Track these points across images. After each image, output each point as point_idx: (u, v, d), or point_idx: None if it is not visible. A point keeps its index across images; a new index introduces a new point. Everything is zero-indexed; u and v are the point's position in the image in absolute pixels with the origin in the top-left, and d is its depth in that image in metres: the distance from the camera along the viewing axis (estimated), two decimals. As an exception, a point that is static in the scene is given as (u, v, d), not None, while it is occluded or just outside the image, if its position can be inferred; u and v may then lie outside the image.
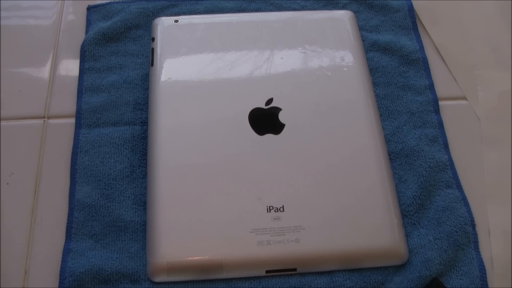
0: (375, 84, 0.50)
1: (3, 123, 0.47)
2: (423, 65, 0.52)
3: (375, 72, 0.51)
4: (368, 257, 0.40)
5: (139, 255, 0.41)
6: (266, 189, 0.41)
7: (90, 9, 0.55)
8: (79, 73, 0.50)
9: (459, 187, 0.45)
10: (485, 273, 0.41)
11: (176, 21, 0.51)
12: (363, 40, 0.52)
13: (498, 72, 0.52)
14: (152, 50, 0.49)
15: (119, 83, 0.49)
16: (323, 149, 0.43)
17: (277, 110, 0.45)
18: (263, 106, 0.45)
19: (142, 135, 0.46)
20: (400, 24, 0.54)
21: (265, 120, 0.45)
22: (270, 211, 0.40)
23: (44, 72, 0.51)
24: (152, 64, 0.48)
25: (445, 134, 0.48)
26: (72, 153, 0.45)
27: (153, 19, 0.52)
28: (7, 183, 0.44)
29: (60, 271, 0.39)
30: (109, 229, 0.42)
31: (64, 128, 0.47)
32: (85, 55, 0.51)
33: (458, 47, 0.53)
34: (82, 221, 0.42)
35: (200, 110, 0.45)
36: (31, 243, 0.41)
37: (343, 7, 0.55)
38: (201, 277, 0.39)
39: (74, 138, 0.46)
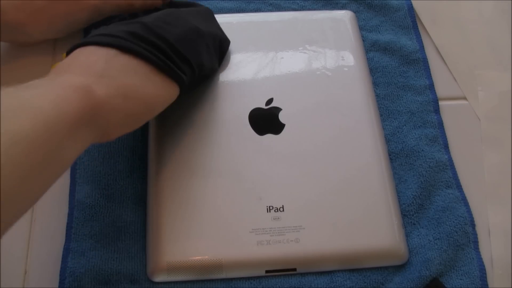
0: (375, 84, 0.50)
1: (3, 123, 0.47)
2: (423, 65, 0.52)
3: (375, 72, 0.51)
4: (368, 257, 0.40)
5: (139, 255, 0.41)
6: (266, 189, 0.41)
7: (90, 9, 0.54)
8: (79, 73, 0.50)
9: (459, 187, 0.45)
10: (485, 273, 0.41)
11: (176, 21, 0.51)
12: (363, 40, 0.52)
13: (498, 72, 0.52)
14: (152, 50, 0.49)
15: (119, 83, 0.49)
16: (323, 149, 0.43)
17: (277, 110, 0.45)
18: (263, 106, 0.45)
19: (142, 135, 0.46)
20: (400, 24, 0.54)
21: (265, 120, 0.45)
22: (270, 211, 0.40)
23: (44, 72, 0.50)
24: (152, 64, 0.48)
25: (445, 134, 0.48)
26: (72, 153, 0.45)
27: (153, 19, 0.52)
28: (7, 183, 0.44)
29: (60, 271, 0.39)
30: (109, 229, 0.41)
31: (64, 128, 0.47)
32: (85, 55, 0.51)
33: (458, 47, 0.53)
34: (82, 221, 0.41)
35: (200, 110, 0.45)
36: (31, 243, 0.41)
37: (343, 7, 0.55)
38: (201, 277, 0.39)
39: (74, 138, 0.46)
